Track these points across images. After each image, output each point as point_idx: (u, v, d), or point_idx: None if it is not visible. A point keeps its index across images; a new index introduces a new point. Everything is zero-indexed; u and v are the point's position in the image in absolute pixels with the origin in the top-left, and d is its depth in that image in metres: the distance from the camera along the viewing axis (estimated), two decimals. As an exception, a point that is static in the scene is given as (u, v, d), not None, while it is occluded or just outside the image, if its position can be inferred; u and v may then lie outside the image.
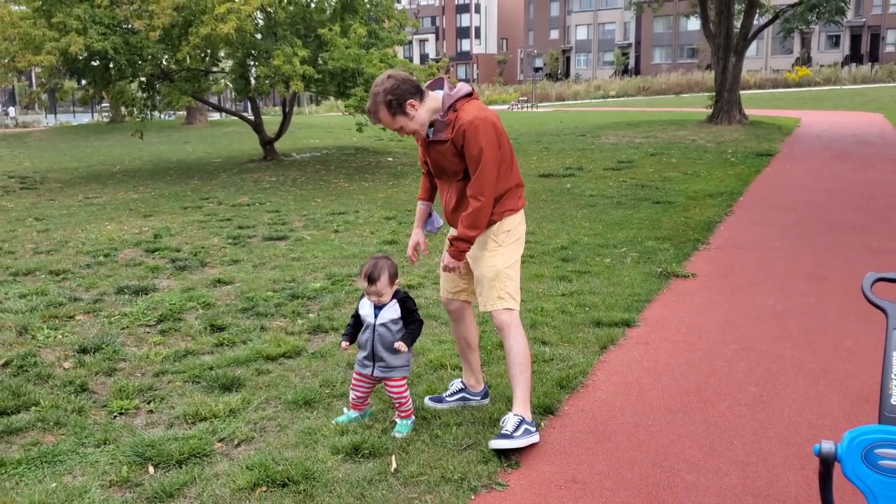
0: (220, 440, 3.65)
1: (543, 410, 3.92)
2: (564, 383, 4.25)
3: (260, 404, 4.07)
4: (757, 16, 23.02)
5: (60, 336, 5.32)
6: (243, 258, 7.79)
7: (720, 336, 5.08)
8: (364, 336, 3.70)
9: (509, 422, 3.54)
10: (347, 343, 3.79)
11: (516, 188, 3.70)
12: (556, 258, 7.36)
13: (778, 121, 24.15)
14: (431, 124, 3.58)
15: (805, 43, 66.20)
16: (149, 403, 4.13)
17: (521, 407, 3.61)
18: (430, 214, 4.02)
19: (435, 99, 3.57)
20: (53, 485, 3.24)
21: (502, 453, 3.45)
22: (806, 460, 3.38)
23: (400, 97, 3.46)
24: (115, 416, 3.98)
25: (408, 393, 3.73)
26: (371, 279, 3.57)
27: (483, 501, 3.12)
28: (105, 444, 3.63)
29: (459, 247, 3.60)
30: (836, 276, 6.49)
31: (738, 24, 22.31)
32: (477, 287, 3.74)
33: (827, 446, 2.35)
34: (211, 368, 4.59)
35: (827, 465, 2.37)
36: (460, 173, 3.62)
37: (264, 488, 3.19)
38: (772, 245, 7.77)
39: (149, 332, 5.41)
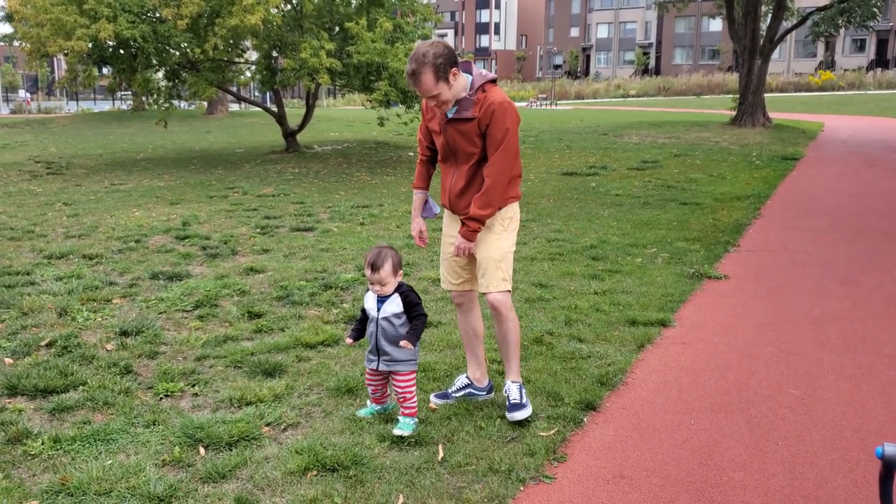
0: (268, 424, 3.69)
1: (585, 406, 3.94)
2: (604, 380, 4.27)
3: (304, 391, 4.11)
4: (784, 18, 22.88)
5: (100, 319, 5.39)
6: (273, 248, 7.84)
7: (757, 338, 5.08)
8: (369, 330, 3.67)
9: (513, 391, 3.84)
10: (352, 340, 3.75)
11: (518, 178, 3.80)
12: (586, 256, 7.36)
13: (801, 124, 24.02)
14: (455, 103, 3.64)
15: (829, 47, 65.74)
16: (193, 386, 4.18)
17: (516, 374, 3.92)
18: (426, 202, 4.07)
19: (464, 78, 3.64)
20: (109, 462, 3.29)
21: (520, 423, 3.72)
22: (853, 464, 3.39)
23: (447, 63, 3.51)
24: (160, 398, 4.03)
25: (414, 389, 3.67)
26: (374, 267, 3.54)
27: (531, 493, 3.14)
28: (154, 424, 3.69)
29: (472, 226, 3.68)
30: (872, 282, 6.47)
31: (764, 26, 22.20)
32: (480, 269, 3.81)
33: (891, 449, 2.35)
34: (252, 354, 4.64)
35: (889, 468, 2.38)
36: (474, 156, 3.69)
37: (315, 472, 3.22)
38: (804, 249, 7.75)
39: (186, 318, 5.46)
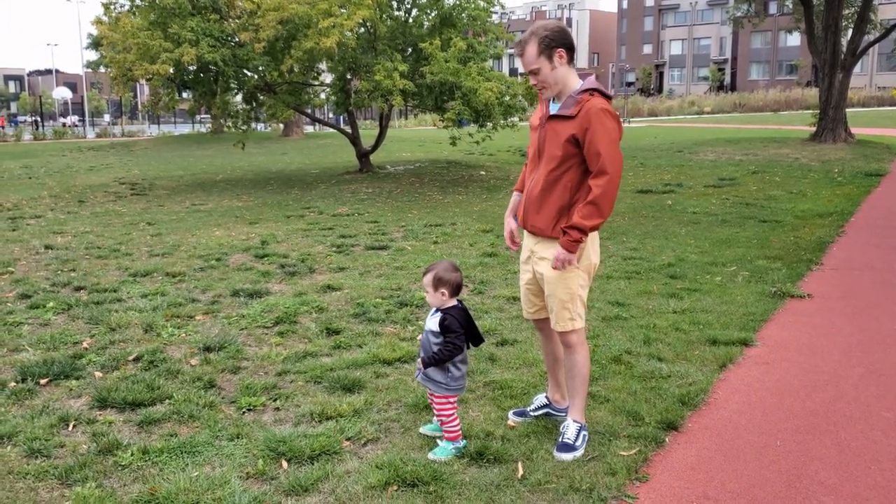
0: (348, 439, 3.73)
1: (666, 426, 3.87)
2: (686, 400, 4.18)
3: (382, 406, 4.15)
4: (866, 31, 22.23)
5: (184, 334, 5.54)
6: (349, 266, 7.94)
7: (844, 359, 4.92)
8: None
9: (570, 429, 3.66)
10: None
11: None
12: (664, 275, 7.25)
13: (885, 140, 23.24)
14: (557, 99, 3.61)
15: (914, 60, 63.54)
16: (275, 401, 4.26)
17: (580, 414, 3.75)
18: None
19: (577, 77, 3.59)
20: (196, 473, 3.38)
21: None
22: (952, 489, 3.24)
23: (556, 41, 3.51)
24: (243, 412, 4.11)
25: (451, 412, 3.58)
26: (423, 273, 3.64)
27: (613, 513, 3.10)
28: (238, 437, 3.77)
29: (573, 236, 3.47)
30: (965, 302, 6.20)
31: (845, 40, 21.60)
32: (548, 305, 3.72)
33: None
34: (331, 370, 4.70)
35: None
36: (555, 159, 3.55)
37: (395, 487, 3.24)
38: (891, 268, 7.48)
39: (267, 334, 5.57)
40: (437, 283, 3.56)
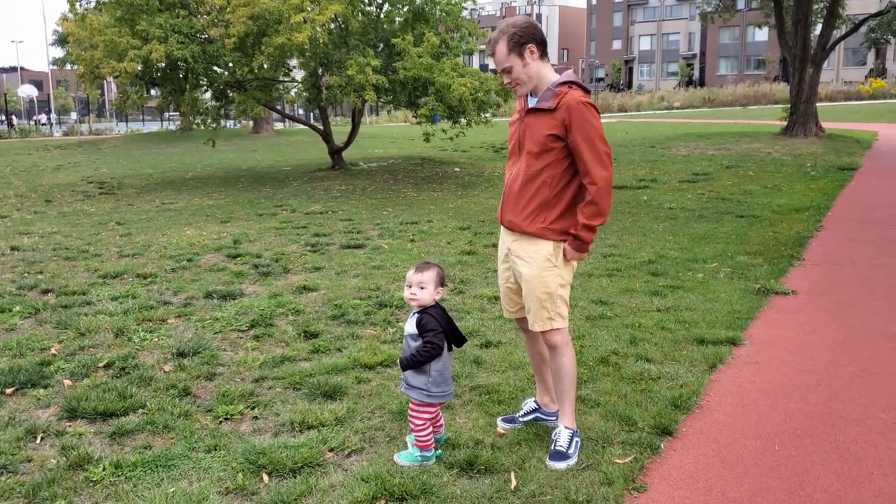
0: (331, 450, 3.57)
1: (661, 431, 3.75)
2: (678, 403, 4.07)
3: (366, 414, 3.99)
4: (835, 26, 22.37)
5: (157, 339, 5.34)
6: (324, 265, 7.77)
7: (834, 357, 4.84)
8: None
9: (562, 436, 3.54)
10: None
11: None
12: (645, 272, 7.16)
13: (854, 134, 23.43)
14: (535, 94, 3.52)
15: (879, 54, 64.38)
16: (253, 409, 4.08)
17: (570, 419, 3.63)
18: None
19: (552, 71, 3.52)
20: (172, 489, 3.20)
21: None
22: (957, 493, 3.16)
23: (525, 37, 3.44)
24: (220, 422, 3.93)
25: (420, 423, 3.43)
26: (419, 268, 3.45)
27: (612, 525, 2.98)
28: (216, 449, 3.59)
29: (585, 238, 3.45)
30: (949, 297, 6.17)
31: (814, 34, 21.72)
32: (526, 303, 3.61)
33: None
34: (310, 375, 4.53)
35: None
36: (536, 155, 3.47)
37: (383, 502, 3.09)
38: (872, 262, 7.45)
39: (242, 338, 5.39)
40: (439, 281, 3.45)
